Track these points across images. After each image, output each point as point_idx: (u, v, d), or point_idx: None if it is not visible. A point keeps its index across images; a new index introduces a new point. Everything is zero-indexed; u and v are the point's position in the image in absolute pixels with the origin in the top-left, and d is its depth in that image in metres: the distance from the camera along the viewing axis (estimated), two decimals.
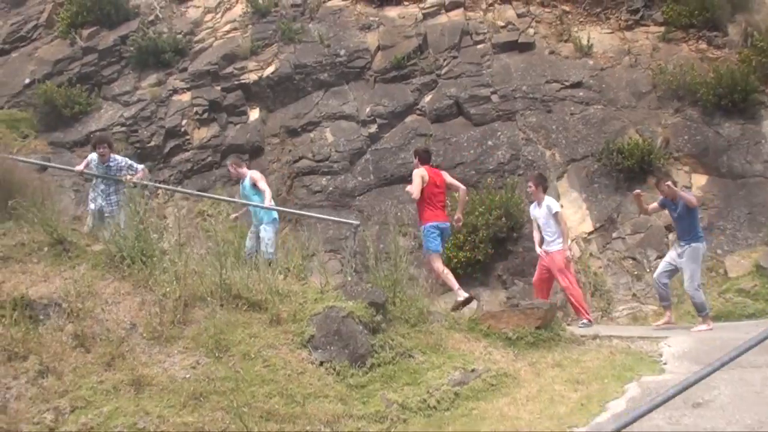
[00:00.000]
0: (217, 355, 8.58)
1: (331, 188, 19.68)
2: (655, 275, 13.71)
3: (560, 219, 14.18)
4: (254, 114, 21.31)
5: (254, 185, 15.02)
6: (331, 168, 19.95)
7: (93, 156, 14.37)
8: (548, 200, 14.27)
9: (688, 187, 18.08)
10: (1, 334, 8.25)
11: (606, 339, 11.27)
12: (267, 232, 14.85)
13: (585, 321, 13.64)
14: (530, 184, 14.58)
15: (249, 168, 16.21)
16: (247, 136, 20.79)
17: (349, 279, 12.36)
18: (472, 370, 9.15)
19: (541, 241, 14.49)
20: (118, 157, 14.55)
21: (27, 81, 22.40)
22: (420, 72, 21.22)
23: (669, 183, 13.15)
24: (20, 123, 21.63)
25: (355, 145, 20.20)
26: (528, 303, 10.99)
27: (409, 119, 20.61)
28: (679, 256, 13.10)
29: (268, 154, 20.71)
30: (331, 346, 9.04)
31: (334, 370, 8.79)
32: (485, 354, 9.87)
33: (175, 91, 21.68)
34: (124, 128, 21.03)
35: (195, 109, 21.08)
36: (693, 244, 12.97)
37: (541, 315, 10.51)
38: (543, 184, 14.59)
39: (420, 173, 13.19)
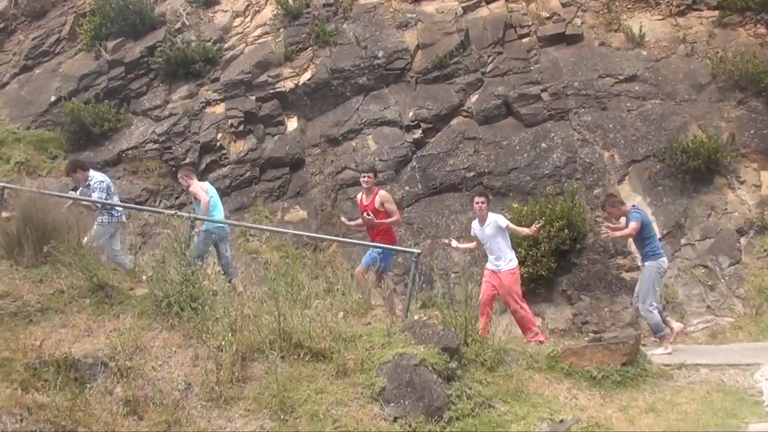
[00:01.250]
0: (282, 417, 8.09)
1: None
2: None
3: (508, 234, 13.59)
4: (292, 124, 20.73)
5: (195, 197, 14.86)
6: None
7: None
8: (493, 216, 13.56)
9: (758, 186, 17.37)
10: (45, 404, 7.71)
11: (693, 369, 10.68)
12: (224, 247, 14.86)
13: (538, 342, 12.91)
14: (481, 200, 13.66)
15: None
16: (286, 147, 20.22)
17: (417, 318, 11.75)
18: (561, 421, 8.54)
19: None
20: (96, 175, 14.46)
21: (53, 99, 22.02)
22: (464, 70, 20.52)
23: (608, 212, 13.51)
24: (48, 143, 21.26)
25: (400, 152, 19.58)
26: (611, 336, 10.38)
27: (455, 122, 19.96)
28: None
29: (309, 166, 20.15)
30: (404, 400, 8.52)
31: (410, 426, 8.28)
32: (570, 398, 9.28)
33: (208, 103, 21.12)
34: (156, 145, 20.54)
35: (230, 121, 20.51)
36: (646, 263, 12.85)
37: (627, 350, 9.92)
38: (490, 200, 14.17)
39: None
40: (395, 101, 20.47)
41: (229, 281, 11.97)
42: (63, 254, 10.25)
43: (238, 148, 20.38)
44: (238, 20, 22.98)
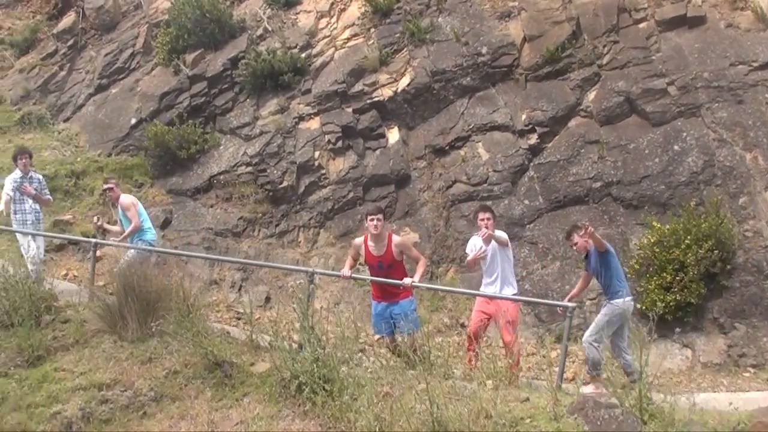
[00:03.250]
0: None
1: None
2: None
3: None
4: (393, 135, 20.17)
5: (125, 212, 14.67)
6: (492, 192, 18.75)
7: (17, 174, 14.54)
8: (499, 233, 12.56)
9: None
10: None
11: None
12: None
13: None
14: (486, 215, 12.48)
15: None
16: (390, 163, 19.69)
17: (582, 390, 11.14)
18: None
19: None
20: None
21: (133, 121, 21.84)
22: (578, 64, 19.64)
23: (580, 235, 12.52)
24: (132, 170, 21.07)
25: (515, 161, 18.93)
26: None
27: (573, 123, 19.18)
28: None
29: (415, 181, 19.61)
30: None
31: None
32: None
33: (301, 118, 20.65)
34: (250, 168, 20.12)
35: (327, 137, 20.03)
36: (608, 302, 12.42)
37: None
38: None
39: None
40: (504, 103, 19.77)
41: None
42: (171, 325, 10.01)
43: (338, 166, 19.90)
44: (323, 21, 22.41)
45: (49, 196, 15.27)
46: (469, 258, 12.51)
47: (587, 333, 12.42)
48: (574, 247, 12.90)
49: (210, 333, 10.64)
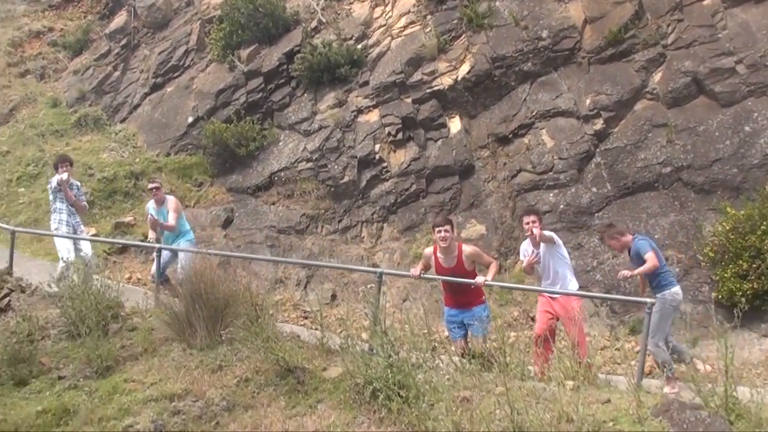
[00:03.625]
0: None
1: (562, 206, 18.28)
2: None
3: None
4: (455, 125, 20.00)
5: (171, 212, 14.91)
6: (558, 180, 18.52)
7: (56, 178, 14.60)
8: (548, 233, 12.34)
9: None
10: None
11: None
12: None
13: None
14: (531, 218, 12.27)
15: None
16: (453, 153, 19.54)
17: (667, 391, 10.93)
18: None
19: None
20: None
21: (190, 119, 21.90)
22: (642, 45, 19.25)
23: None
24: (192, 170, 21.18)
25: (581, 147, 18.67)
26: None
27: (639, 107, 18.83)
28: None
29: (479, 171, 19.45)
30: None
31: None
32: None
33: (360, 111, 20.58)
34: (310, 164, 20.13)
35: (387, 129, 19.94)
36: (657, 295, 12.11)
37: None
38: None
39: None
40: (567, 87, 19.51)
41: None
42: (240, 331, 9.87)
43: (399, 158, 19.79)
44: (378, 10, 22.29)
45: (86, 203, 15.42)
46: (524, 264, 12.39)
47: (648, 338, 12.16)
48: (610, 248, 12.66)
49: (280, 337, 10.57)
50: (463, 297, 11.86)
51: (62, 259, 14.22)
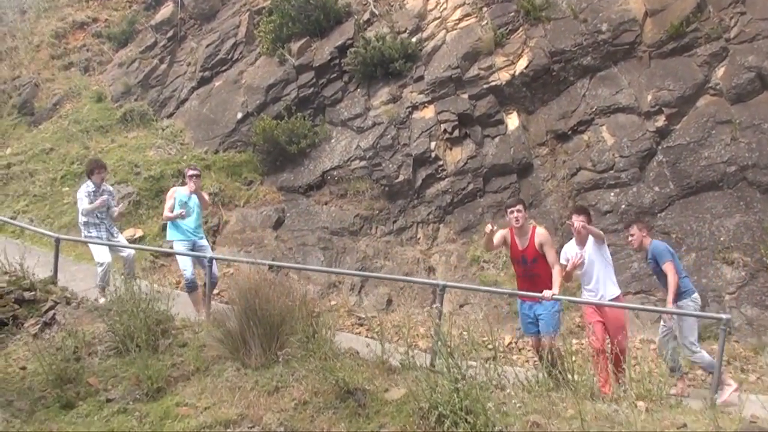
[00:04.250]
0: None
1: (623, 205, 18.14)
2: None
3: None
4: (512, 121, 19.84)
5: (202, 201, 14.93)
6: (619, 179, 18.36)
7: (89, 186, 14.53)
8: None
9: None
10: None
11: None
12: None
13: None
14: (580, 217, 12.09)
15: None
16: (511, 151, 19.41)
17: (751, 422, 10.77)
18: None
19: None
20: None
21: (240, 115, 21.79)
22: (704, 39, 18.98)
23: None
24: (241, 167, 21.04)
25: (642, 145, 18.48)
26: None
27: (701, 103, 18.60)
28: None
29: (538, 170, 19.32)
30: None
31: None
32: None
33: (415, 107, 20.43)
34: (364, 162, 20.00)
35: (442, 126, 19.81)
36: (678, 303, 12.16)
37: None
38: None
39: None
40: (628, 82, 19.30)
41: None
42: (297, 349, 9.80)
43: (455, 157, 19.66)
44: (432, 2, 22.11)
45: (116, 209, 14.95)
46: (567, 268, 12.08)
47: (686, 352, 12.16)
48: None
49: (338, 354, 10.40)
50: (534, 285, 11.78)
51: (99, 264, 14.18)
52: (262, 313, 10.17)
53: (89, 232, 14.47)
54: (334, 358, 9.71)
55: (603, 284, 12.00)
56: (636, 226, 12.77)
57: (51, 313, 12.00)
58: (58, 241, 14.64)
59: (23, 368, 10.23)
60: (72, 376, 9.90)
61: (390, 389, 9.51)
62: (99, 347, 10.97)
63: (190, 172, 14.71)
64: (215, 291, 15.43)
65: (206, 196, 15.14)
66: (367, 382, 9.51)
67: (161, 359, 10.53)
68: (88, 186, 14.48)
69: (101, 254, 14.21)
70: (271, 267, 15.62)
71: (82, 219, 14.52)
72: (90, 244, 14.50)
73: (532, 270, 11.84)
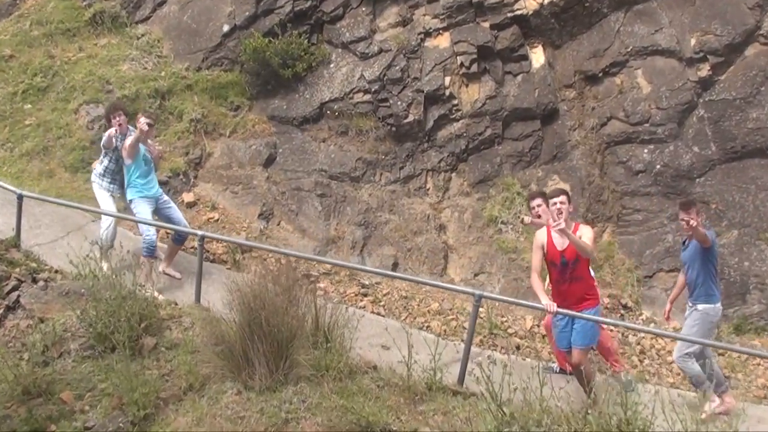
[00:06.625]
0: None
1: (658, 166, 17.52)
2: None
3: None
4: (537, 58, 18.85)
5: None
6: (654, 134, 17.67)
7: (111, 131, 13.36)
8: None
9: None
10: None
11: None
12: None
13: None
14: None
15: None
16: (535, 93, 18.49)
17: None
18: None
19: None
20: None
21: (226, 28, 20.16)
22: None
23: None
24: (227, 90, 19.55)
25: (682, 96, 17.69)
26: None
27: (750, 53, 17.72)
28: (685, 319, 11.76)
29: (564, 117, 18.52)
30: None
31: None
32: None
33: (428, 34, 19.12)
34: (368, 96, 18.66)
35: (459, 59, 18.63)
36: (699, 307, 11.55)
37: None
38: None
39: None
40: (669, 21, 18.30)
41: None
42: (308, 371, 9.16)
43: (472, 95, 18.61)
44: None
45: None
46: None
47: (676, 349, 11.70)
48: (683, 224, 11.59)
49: (354, 371, 9.75)
50: (570, 292, 11.00)
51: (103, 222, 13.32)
52: (270, 328, 9.33)
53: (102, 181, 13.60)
54: (349, 378, 9.12)
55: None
56: (695, 209, 11.91)
57: (15, 294, 11.23)
58: (21, 197, 13.48)
59: None
60: (42, 386, 9.07)
61: (419, 428, 8.86)
62: (72, 344, 10.15)
63: (143, 120, 13.13)
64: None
65: (158, 147, 14.22)
66: (391, 415, 8.86)
67: (146, 366, 9.75)
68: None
69: (108, 210, 13.38)
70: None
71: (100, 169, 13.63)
72: (98, 197, 13.61)
73: (573, 273, 10.91)
